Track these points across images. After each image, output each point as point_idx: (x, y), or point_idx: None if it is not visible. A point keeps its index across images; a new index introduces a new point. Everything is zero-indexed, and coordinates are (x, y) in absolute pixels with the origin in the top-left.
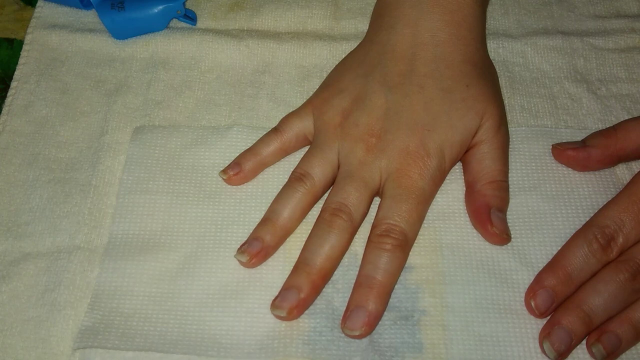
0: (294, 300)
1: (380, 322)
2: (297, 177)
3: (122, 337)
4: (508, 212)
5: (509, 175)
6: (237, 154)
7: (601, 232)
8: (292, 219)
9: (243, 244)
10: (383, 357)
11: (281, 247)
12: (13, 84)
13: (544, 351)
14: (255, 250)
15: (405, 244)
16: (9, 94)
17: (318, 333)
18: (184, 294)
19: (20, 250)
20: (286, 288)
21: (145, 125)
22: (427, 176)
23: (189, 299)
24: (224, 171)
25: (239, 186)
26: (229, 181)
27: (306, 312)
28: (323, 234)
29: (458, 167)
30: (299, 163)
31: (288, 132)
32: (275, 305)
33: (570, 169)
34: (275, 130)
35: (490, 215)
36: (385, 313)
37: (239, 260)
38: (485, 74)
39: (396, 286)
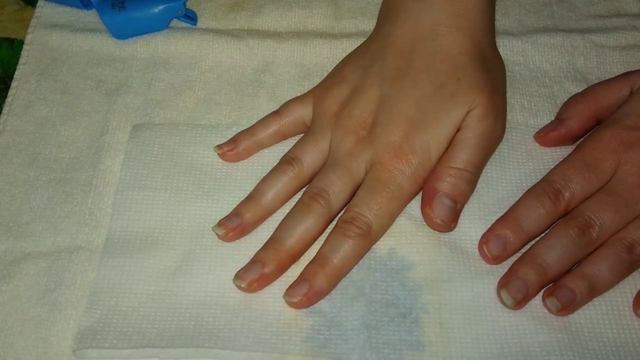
0: (256, 273)
1: (378, 319)
2: (287, 160)
3: (120, 336)
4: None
5: (508, 174)
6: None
7: (549, 186)
8: (275, 201)
9: (223, 218)
10: (381, 354)
11: None
12: (13, 84)
13: (501, 300)
14: (233, 225)
15: (367, 235)
16: (9, 93)
17: (316, 331)
18: (182, 291)
19: (21, 250)
20: (252, 261)
21: (144, 123)
22: (408, 173)
23: (187, 296)
24: (220, 146)
25: (238, 184)
26: (222, 156)
27: (305, 310)
28: (299, 216)
29: None
30: (291, 148)
31: (287, 116)
32: (237, 275)
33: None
34: (275, 113)
35: (434, 198)
36: (383, 310)
37: (216, 234)
38: (485, 65)
39: (394, 283)
